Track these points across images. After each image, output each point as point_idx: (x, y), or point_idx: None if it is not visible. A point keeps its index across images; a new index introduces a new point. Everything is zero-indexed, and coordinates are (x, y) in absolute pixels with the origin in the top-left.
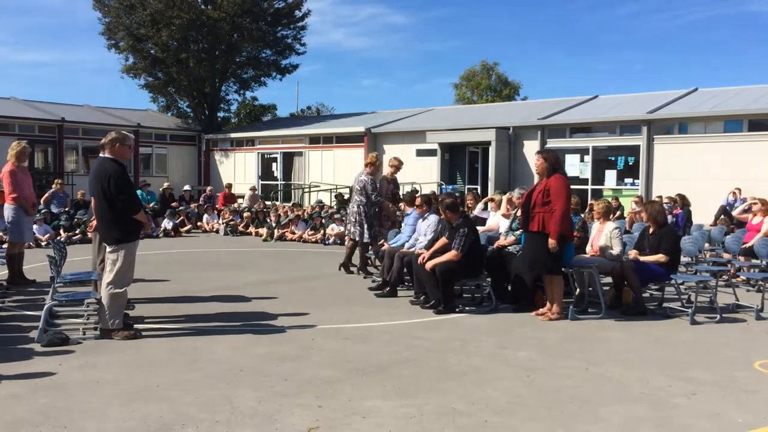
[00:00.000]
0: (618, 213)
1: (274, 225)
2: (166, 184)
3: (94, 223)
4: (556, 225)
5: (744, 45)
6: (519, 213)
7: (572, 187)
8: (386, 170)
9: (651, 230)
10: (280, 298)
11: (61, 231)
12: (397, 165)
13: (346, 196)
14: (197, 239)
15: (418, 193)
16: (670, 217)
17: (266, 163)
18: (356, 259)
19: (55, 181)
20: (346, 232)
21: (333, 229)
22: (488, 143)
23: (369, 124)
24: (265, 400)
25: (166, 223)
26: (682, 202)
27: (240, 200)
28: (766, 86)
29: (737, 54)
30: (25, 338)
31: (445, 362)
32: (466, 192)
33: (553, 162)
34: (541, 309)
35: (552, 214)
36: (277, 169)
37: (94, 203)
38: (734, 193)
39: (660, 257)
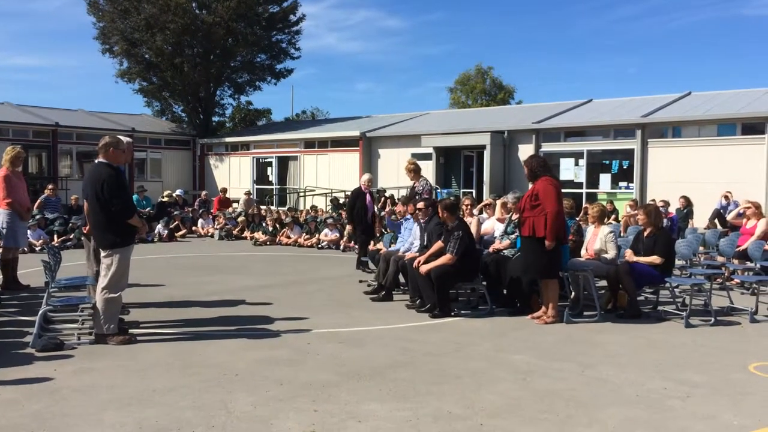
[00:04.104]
0: (613, 216)
1: (270, 229)
2: (166, 194)
3: (89, 227)
4: (548, 226)
5: (737, 49)
6: (514, 217)
7: (567, 191)
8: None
9: (646, 233)
10: (275, 302)
11: (55, 236)
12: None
13: (341, 200)
14: (192, 244)
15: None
16: (664, 221)
17: (261, 167)
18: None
19: (47, 186)
20: None
21: (326, 234)
22: (483, 147)
23: (364, 128)
24: (260, 404)
25: (161, 228)
26: (687, 202)
27: (235, 205)
28: (759, 90)
29: (731, 58)
30: (19, 344)
31: (440, 366)
32: (461, 196)
33: (535, 166)
34: (536, 312)
35: (541, 218)
36: (272, 173)
37: (87, 208)
38: (726, 196)
39: (655, 259)
